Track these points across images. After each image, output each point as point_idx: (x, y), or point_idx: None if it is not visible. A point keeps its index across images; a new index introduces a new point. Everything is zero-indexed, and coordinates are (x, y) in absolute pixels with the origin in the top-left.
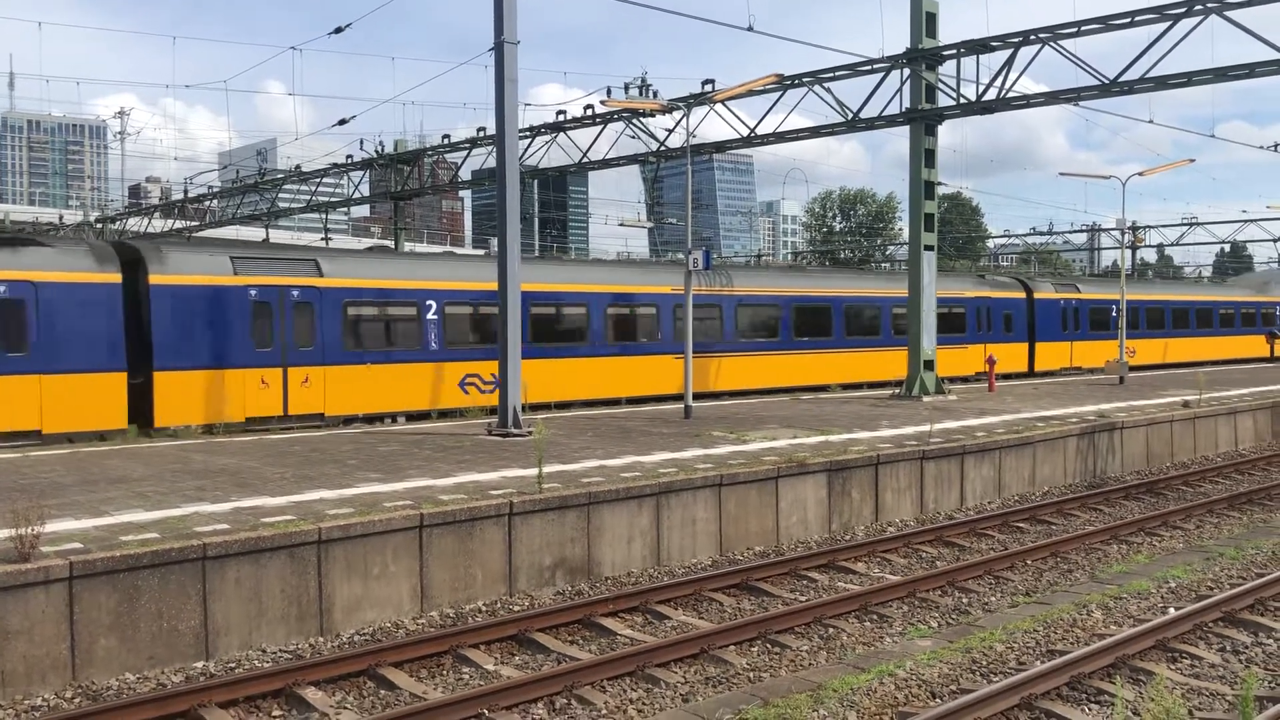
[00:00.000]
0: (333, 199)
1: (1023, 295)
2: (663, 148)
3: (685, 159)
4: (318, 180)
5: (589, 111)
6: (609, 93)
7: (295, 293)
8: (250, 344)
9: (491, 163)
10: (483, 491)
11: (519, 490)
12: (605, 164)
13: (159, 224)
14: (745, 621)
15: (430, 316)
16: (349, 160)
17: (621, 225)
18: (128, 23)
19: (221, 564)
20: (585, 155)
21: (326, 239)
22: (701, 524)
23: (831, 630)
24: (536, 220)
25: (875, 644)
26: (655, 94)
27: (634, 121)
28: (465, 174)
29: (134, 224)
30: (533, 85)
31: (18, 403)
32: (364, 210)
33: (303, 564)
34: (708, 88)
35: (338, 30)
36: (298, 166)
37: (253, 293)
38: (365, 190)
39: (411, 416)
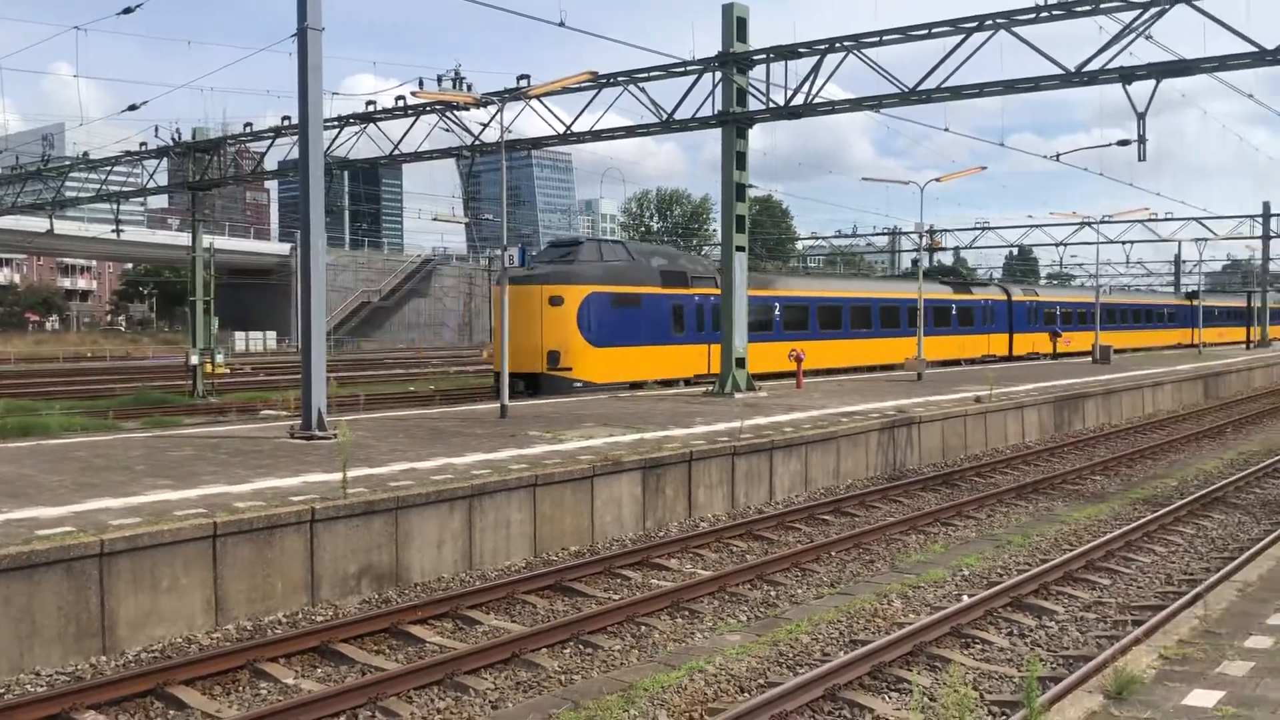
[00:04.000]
0: (124, 188)
1: (1005, 298)
2: (478, 142)
3: (500, 154)
4: (108, 168)
5: (400, 103)
6: (421, 84)
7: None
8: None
9: (297, 153)
10: (283, 498)
11: (322, 496)
12: (418, 157)
13: None
14: (558, 623)
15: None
16: (143, 148)
17: (435, 220)
18: None
19: None
20: (397, 147)
21: (118, 230)
22: (516, 525)
23: (644, 628)
24: (346, 213)
25: (686, 640)
26: (469, 87)
27: (448, 114)
28: (271, 164)
29: None
30: (343, 75)
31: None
32: (163, 200)
33: (82, 578)
34: (523, 83)
35: (127, 10)
36: (85, 153)
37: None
38: (162, 180)
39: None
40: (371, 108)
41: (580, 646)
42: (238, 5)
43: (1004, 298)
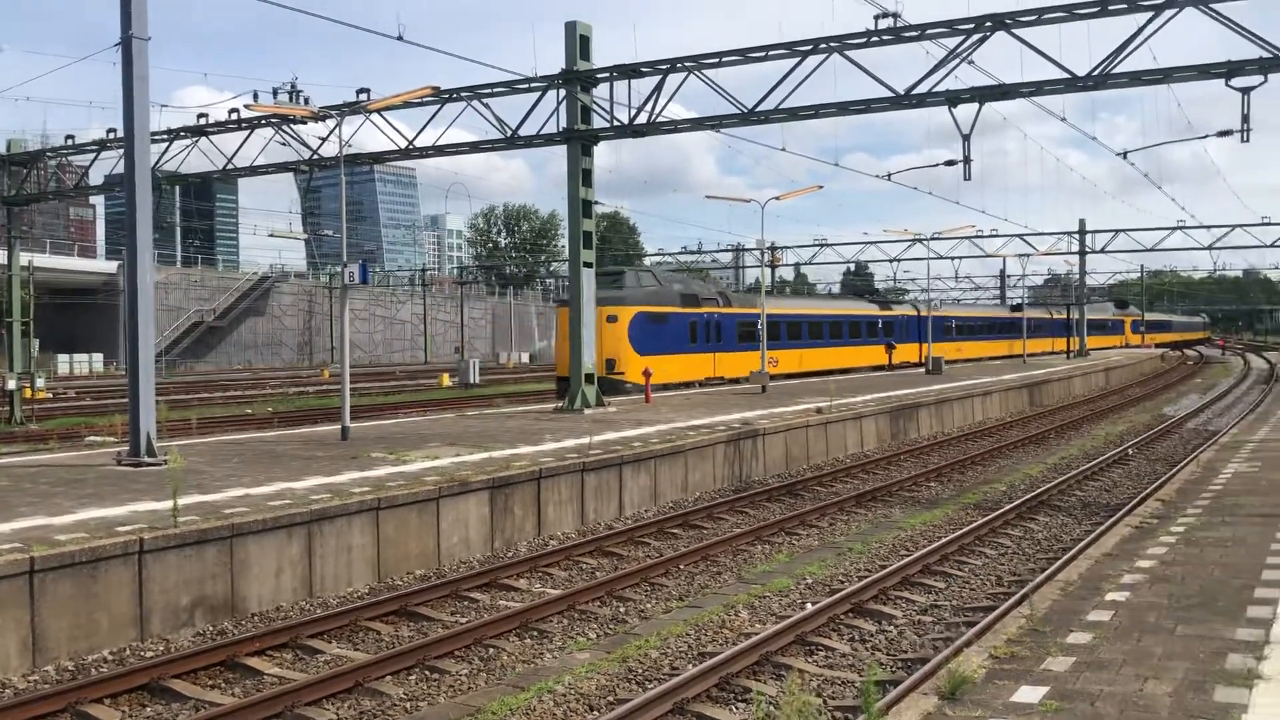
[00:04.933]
0: None
1: (915, 313)
2: (316, 156)
3: (340, 169)
4: None
5: (234, 116)
6: (256, 97)
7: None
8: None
9: (123, 167)
10: (109, 528)
11: (151, 525)
12: (253, 171)
13: None
14: (403, 649)
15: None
16: None
17: (273, 236)
18: None
19: None
20: (230, 161)
21: None
22: (358, 550)
23: (492, 651)
24: (178, 229)
25: (536, 661)
26: (307, 100)
27: (284, 128)
28: (96, 178)
29: None
30: (174, 86)
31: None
32: None
33: None
34: (363, 97)
35: None
36: None
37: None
38: None
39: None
40: (204, 121)
41: (426, 672)
42: (53, 10)
43: (914, 313)
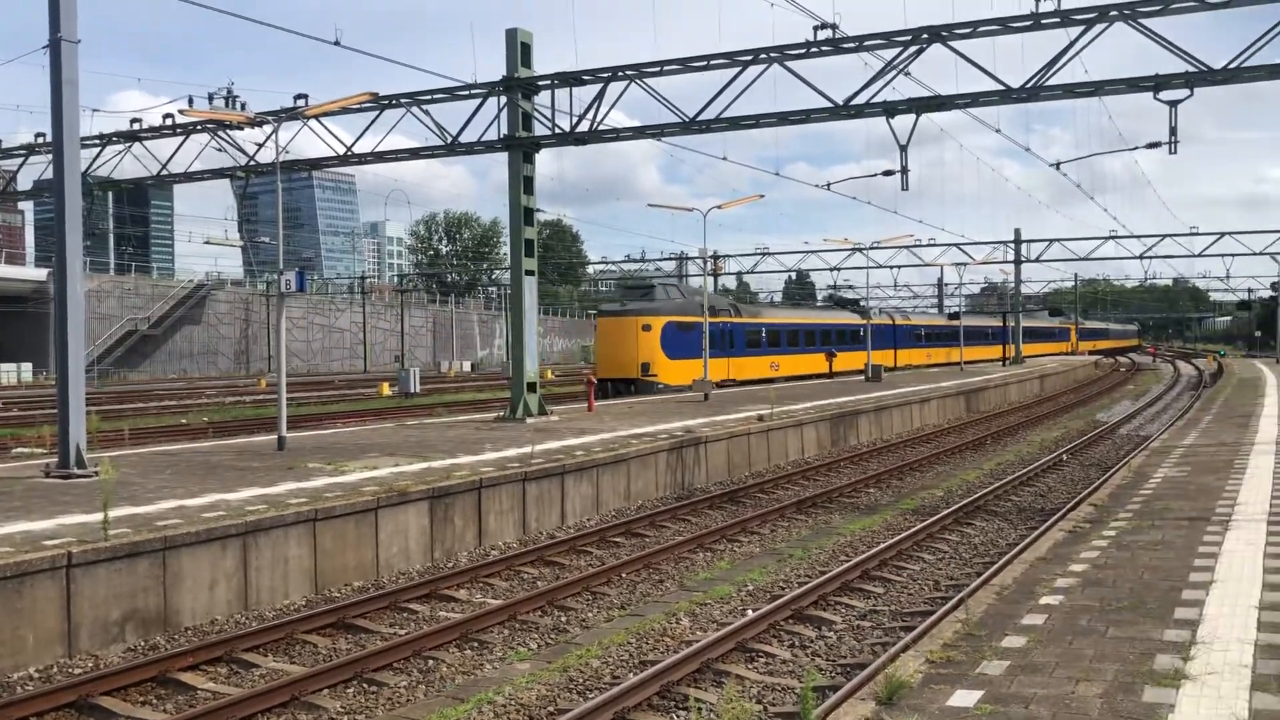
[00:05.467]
0: None
1: (891, 322)
2: (253, 162)
3: (276, 175)
4: None
5: (169, 121)
6: (191, 102)
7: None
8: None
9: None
10: (35, 542)
11: (80, 538)
12: (189, 177)
13: None
14: (340, 662)
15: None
16: None
17: (208, 243)
18: None
19: None
20: (165, 167)
21: None
22: (295, 562)
23: (432, 662)
24: (111, 236)
25: (476, 672)
26: (243, 106)
27: (220, 134)
28: (25, 183)
29: None
30: (106, 91)
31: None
32: None
33: None
34: (300, 102)
35: None
36: None
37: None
38: None
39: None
40: (138, 126)
41: (364, 685)
42: None
43: (890, 322)
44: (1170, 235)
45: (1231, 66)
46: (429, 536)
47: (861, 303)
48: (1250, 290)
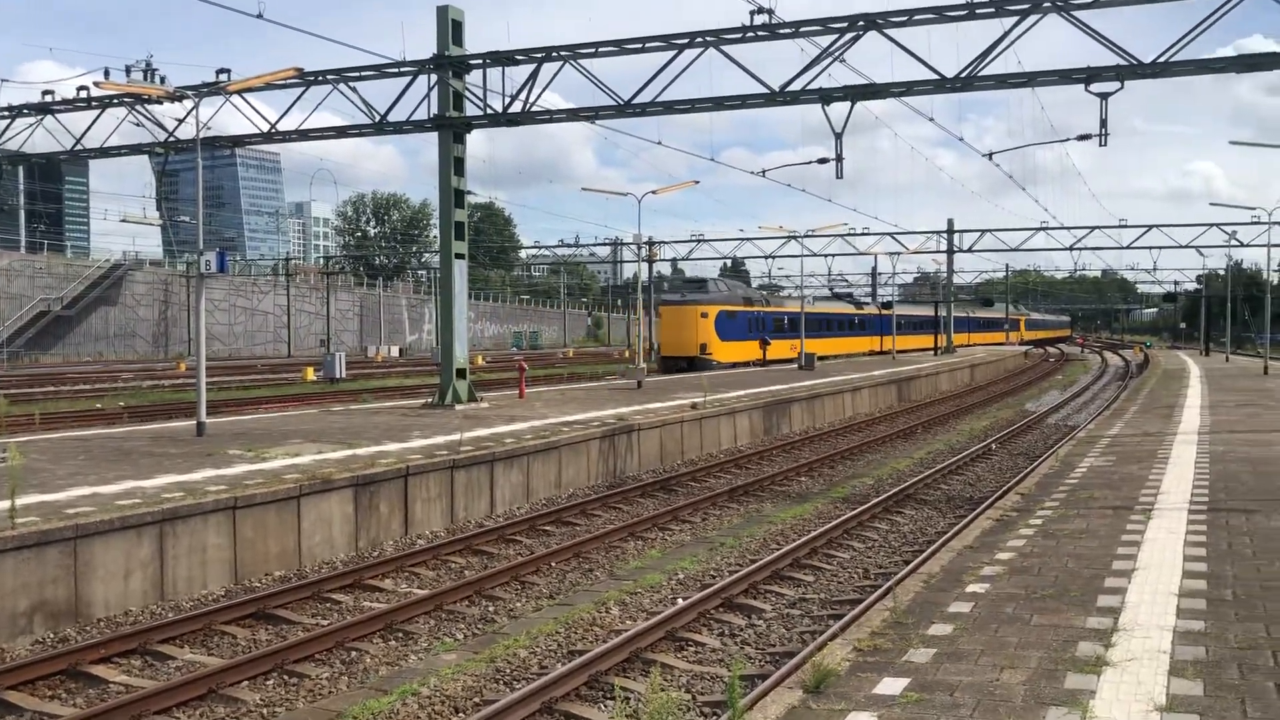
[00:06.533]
0: None
1: (877, 312)
2: (173, 138)
3: (197, 152)
4: None
5: (83, 93)
6: (107, 74)
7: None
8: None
9: None
10: None
11: None
12: (104, 153)
13: None
14: (260, 654)
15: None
16: None
17: (125, 221)
18: None
19: None
20: (79, 142)
21: None
22: (213, 551)
23: (355, 653)
24: (22, 212)
25: (400, 663)
26: (163, 80)
27: (138, 108)
28: None
29: None
30: (16, 61)
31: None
32: None
33: None
34: (222, 77)
35: None
36: None
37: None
38: None
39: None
40: (49, 98)
41: (285, 677)
42: None
43: (876, 312)
44: (1100, 227)
45: (1161, 61)
46: (353, 525)
47: (854, 294)
48: (1176, 283)
